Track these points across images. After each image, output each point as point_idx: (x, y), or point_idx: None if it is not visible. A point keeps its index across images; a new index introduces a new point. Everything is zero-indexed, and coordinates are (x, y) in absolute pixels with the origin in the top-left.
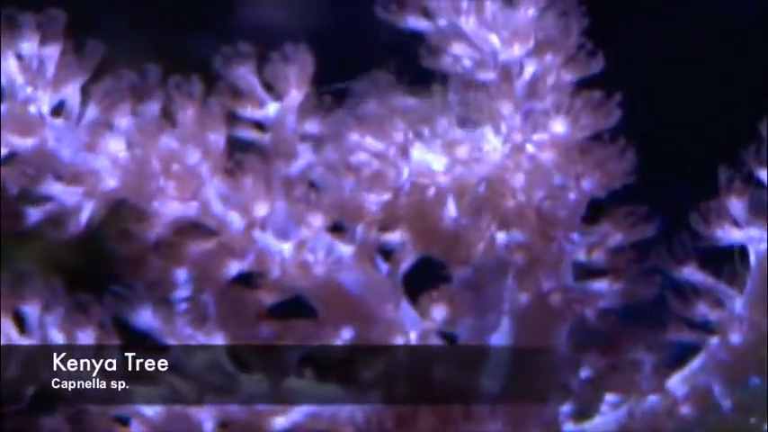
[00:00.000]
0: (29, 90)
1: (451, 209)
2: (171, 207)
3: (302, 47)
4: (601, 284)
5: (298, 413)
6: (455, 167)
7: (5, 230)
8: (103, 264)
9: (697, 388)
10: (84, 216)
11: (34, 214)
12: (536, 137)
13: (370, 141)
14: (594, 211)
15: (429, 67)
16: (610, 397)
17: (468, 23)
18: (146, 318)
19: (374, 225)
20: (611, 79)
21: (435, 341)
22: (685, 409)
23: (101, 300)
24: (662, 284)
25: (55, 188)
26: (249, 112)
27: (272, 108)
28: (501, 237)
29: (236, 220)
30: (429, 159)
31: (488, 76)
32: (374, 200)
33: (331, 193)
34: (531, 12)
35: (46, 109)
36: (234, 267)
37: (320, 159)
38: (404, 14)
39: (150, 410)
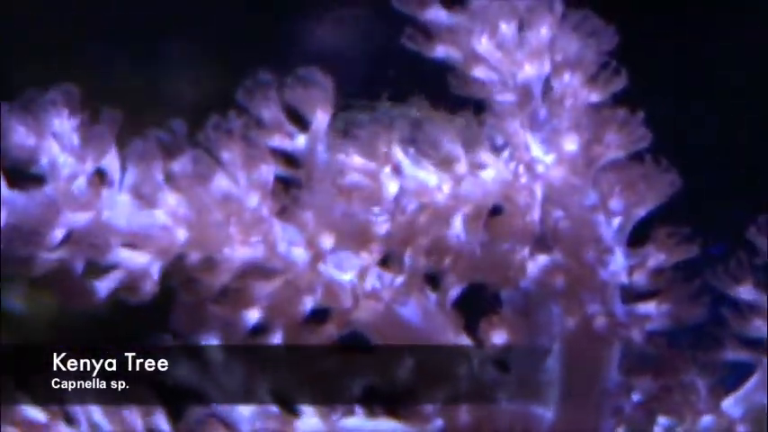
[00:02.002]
0: (71, 165)
1: (457, 228)
2: (239, 252)
3: (319, 70)
4: (648, 307)
5: None
6: (454, 185)
7: (79, 308)
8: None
9: (753, 408)
10: (155, 276)
11: (104, 288)
12: (547, 156)
13: (359, 161)
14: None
15: (460, 93)
16: (664, 420)
17: (482, 45)
18: (185, 371)
19: (422, 253)
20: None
21: (492, 368)
22: (742, 430)
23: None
24: (717, 303)
25: (122, 255)
26: (278, 142)
27: (300, 140)
28: (537, 259)
29: (301, 255)
30: (425, 177)
31: (507, 97)
32: (378, 221)
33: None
34: (546, 31)
35: (91, 181)
36: (308, 303)
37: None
38: (433, 44)
39: None
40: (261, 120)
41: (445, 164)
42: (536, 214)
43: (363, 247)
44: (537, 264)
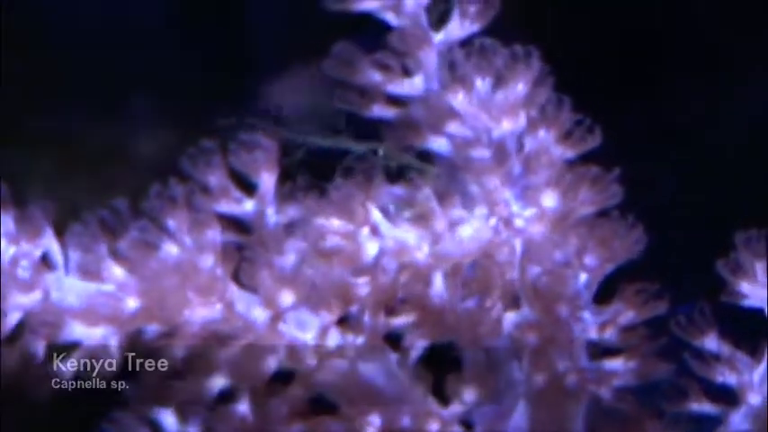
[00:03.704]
0: (11, 250)
1: (438, 286)
2: (198, 313)
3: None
4: (615, 364)
5: None
6: (433, 243)
7: (45, 394)
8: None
9: None
10: (115, 351)
11: (67, 369)
12: (526, 212)
13: (336, 223)
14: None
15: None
16: None
17: (458, 100)
18: None
19: (380, 312)
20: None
21: (459, 428)
22: None
23: None
24: (681, 356)
25: (77, 332)
26: (226, 208)
27: (248, 205)
28: (509, 316)
29: (260, 315)
30: (404, 236)
31: (482, 153)
32: (361, 282)
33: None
34: (522, 87)
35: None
36: (272, 363)
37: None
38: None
39: None
40: (207, 186)
41: (422, 221)
42: (515, 271)
43: (340, 308)
44: (509, 320)
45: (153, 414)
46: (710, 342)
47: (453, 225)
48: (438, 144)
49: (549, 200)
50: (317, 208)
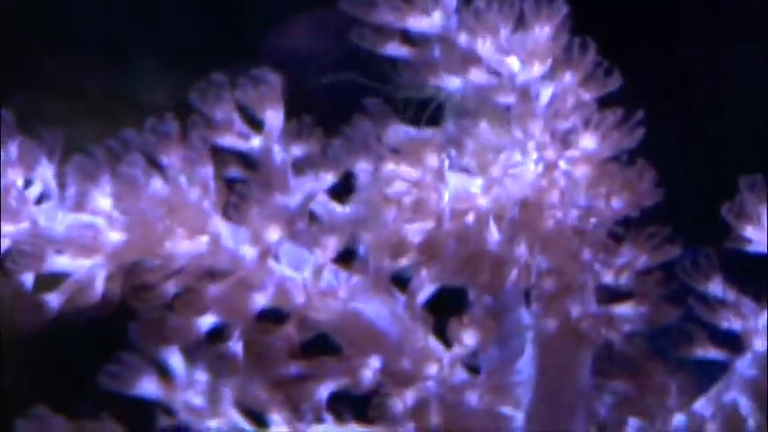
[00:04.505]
0: (3, 178)
1: (494, 234)
2: (182, 246)
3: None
4: (626, 309)
5: None
6: (491, 188)
7: (34, 325)
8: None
9: (723, 408)
10: (99, 283)
11: (54, 299)
12: (569, 153)
13: (405, 170)
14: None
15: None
16: (635, 422)
17: (485, 47)
18: (150, 388)
19: (385, 252)
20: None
21: (462, 370)
22: (712, 430)
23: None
24: (687, 302)
25: (60, 263)
26: (232, 142)
27: (255, 141)
28: (536, 261)
29: (248, 251)
30: (465, 182)
31: (508, 99)
32: (416, 230)
33: (371, 233)
34: (546, 31)
35: (26, 193)
36: (258, 300)
37: (356, 197)
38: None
39: None
40: (213, 120)
41: (481, 168)
42: (563, 214)
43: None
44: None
45: (159, 355)
46: (715, 287)
47: (508, 170)
48: (453, 83)
49: (589, 142)
50: (385, 154)
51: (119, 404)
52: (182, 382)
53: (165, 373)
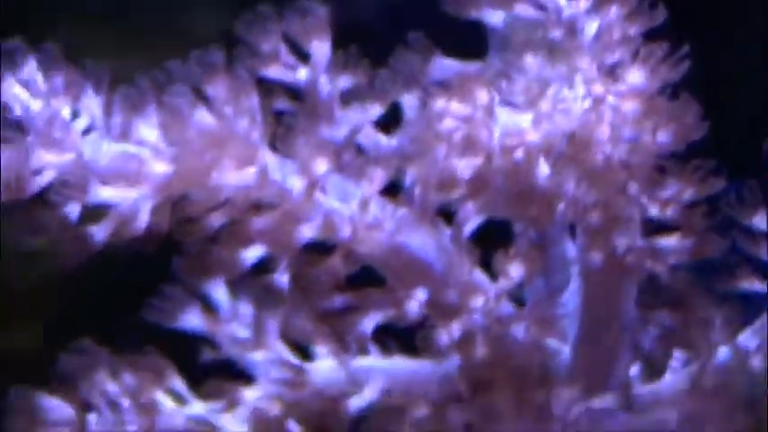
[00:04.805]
0: (45, 110)
1: (543, 169)
2: (229, 178)
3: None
4: (671, 241)
5: (371, 392)
6: (541, 124)
7: (78, 258)
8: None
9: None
10: (145, 215)
11: (100, 231)
12: (616, 88)
13: (456, 106)
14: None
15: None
16: (680, 354)
17: None
18: (193, 320)
19: (433, 186)
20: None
21: (508, 303)
22: (757, 362)
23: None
24: (731, 235)
25: (105, 194)
26: (278, 74)
27: (302, 73)
28: (584, 194)
29: (296, 183)
30: (515, 118)
31: (554, 33)
32: (466, 166)
33: (420, 166)
34: None
35: (70, 124)
36: (305, 232)
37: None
38: None
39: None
40: (260, 52)
41: (530, 103)
42: (610, 148)
43: (366, 180)
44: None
45: (202, 288)
46: (759, 220)
47: (557, 105)
48: (496, 17)
49: (637, 76)
50: (435, 90)
51: (162, 339)
52: (226, 315)
53: (208, 306)
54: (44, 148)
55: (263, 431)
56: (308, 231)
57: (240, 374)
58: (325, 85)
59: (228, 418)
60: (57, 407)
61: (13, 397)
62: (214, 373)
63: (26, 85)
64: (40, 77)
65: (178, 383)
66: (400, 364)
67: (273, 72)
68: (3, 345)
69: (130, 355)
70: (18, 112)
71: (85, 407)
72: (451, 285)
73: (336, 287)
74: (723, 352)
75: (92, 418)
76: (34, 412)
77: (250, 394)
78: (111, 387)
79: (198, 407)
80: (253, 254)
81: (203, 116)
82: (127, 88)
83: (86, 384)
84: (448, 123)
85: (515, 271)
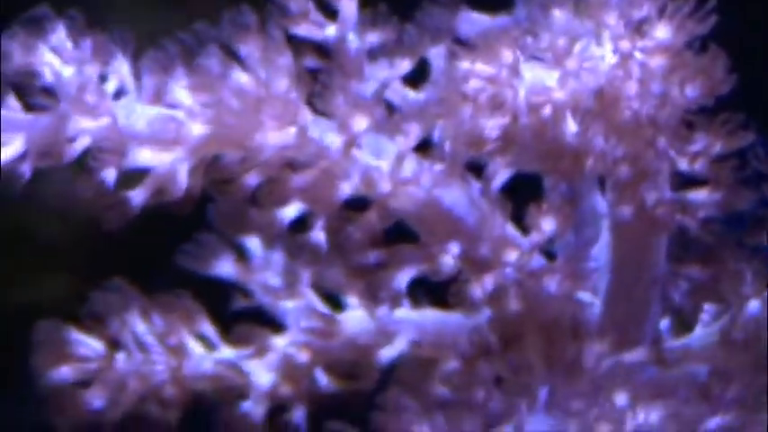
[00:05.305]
0: (76, 75)
1: (570, 125)
2: (270, 138)
3: None
4: (701, 195)
5: (401, 343)
6: (567, 81)
7: (118, 223)
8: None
9: None
10: (183, 177)
11: (137, 195)
12: (643, 43)
13: (481, 67)
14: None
15: None
16: (711, 307)
17: None
18: (226, 268)
19: (462, 142)
20: None
21: (540, 257)
22: None
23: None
24: (761, 188)
25: (142, 157)
26: (307, 31)
27: (330, 30)
28: (612, 149)
29: (334, 141)
30: (541, 76)
31: None
32: (494, 125)
33: (449, 123)
34: None
35: (103, 89)
36: (344, 189)
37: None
38: None
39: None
40: (289, 10)
41: (557, 60)
42: (638, 103)
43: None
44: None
45: (237, 237)
46: None
47: (584, 62)
48: None
49: (663, 32)
50: (460, 51)
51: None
52: (259, 264)
53: (242, 255)
54: (79, 114)
55: (292, 378)
56: (347, 188)
57: (270, 324)
58: (353, 41)
59: (257, 364)
60: (85, 342)
61: (42, 331)
62: (244, 321)
63: (56, 51)
64: (69, 44)
65: (208, 328)
66: (431, 316)
67: (302, 30)
68: (32, 297)
69: (162, 298)
70: (49, 78)
71: (114, 345)
72: (484, 239)
73: (372, 243)
74: (753, 305)
75: (120, 356)
76: (62, 346)
77: (280, 341)
78: (141, 327)
79: (227, 352)
80: (290, 212)
81: (239, 76)
82: (156, 51)
83: (117, 323)
84: (473, 84)
85: (547, 225)
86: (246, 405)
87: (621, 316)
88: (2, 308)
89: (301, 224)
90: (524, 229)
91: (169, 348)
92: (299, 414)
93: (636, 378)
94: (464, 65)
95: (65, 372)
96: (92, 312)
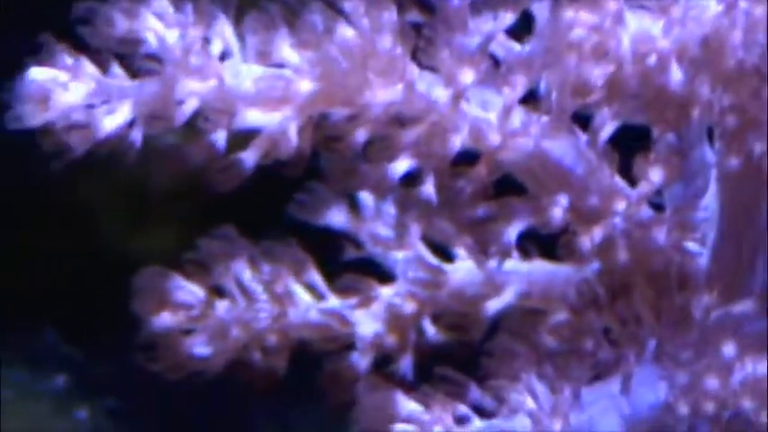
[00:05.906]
0: (180, 39)
1: (676, 74)
2: (379, 96)
3: None
4: None
5: (510, 294)
6: (672, 30)
7: (230, 185)
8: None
9: None
10: (294, 135)
11: (248, 158)
12: None
13: (585, 16)
14: None
15: None
16: None
17: None
18: (338, 218)
19: (568, 92)
20: None
21: (648, 207)
22: None
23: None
24: None
25: (251, 118)
26: None
27: None
28: (718, 99)
29: (442, 95)
30: (645, 24)
31: None
32: (599, 74)
33: (554, 74)
34: None
35: (208, 51)
36: (454, 142)
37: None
38: None
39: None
40: None
41: (662, 9)
42: (744, 52)
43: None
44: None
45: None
46: None
47: (689, 10)
48: None
49: None
50: (564, 1)
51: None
52: (370, 215)
53: (353, 207)
54: (186, 77)
55: (398, 328)
56: (456, 141)
57: (379, 277)
58: None
59: (363, 314)
60: (187, 288)
61: (143, 277)
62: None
63: (159, 17)
64: (171, 8)
65: (316, 277)
66: (540, 268)
67: None
68: (140, 244)
69: (270, 246)
70: (153, 44)
71: (218, 292)
72: (592, 191)
73: (481, 196)
74: None
75: (222, 304)
76: (163, 292)
77: (386, 291)
78: (247, 275)
79: (333, 301)
80: (400, 167)
81: (344, 31)
82: (257, 11)
83: (222, 270)
84: (578, 33)
85: (655, 175)
86: (352, 355)
87: (730, 267)
88: (116, 258)
89: (412, 178)
90: (632, 181)
91: (275, 296)
92: (405, 364)
93: (744, 329)
94: (568, 14)
95: (166, 318)
96: (196, 259)
